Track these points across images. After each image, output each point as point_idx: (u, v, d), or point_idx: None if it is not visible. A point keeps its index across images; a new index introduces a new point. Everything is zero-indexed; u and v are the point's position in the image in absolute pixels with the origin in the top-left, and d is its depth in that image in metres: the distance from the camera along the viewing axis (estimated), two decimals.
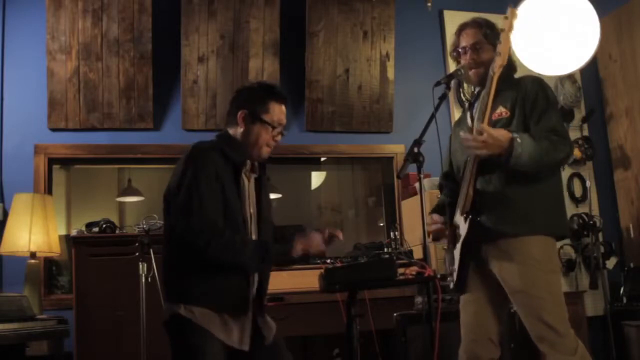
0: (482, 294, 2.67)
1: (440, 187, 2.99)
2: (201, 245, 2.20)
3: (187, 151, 2.36)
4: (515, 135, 2.48)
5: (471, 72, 2.73)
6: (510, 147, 2.45)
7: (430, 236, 2.80)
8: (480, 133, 2.48)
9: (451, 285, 2.72)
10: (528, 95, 2.62)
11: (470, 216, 2.59)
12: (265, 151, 2.45)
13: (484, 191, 2.59)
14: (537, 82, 2.68)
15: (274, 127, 2.44)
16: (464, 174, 2.64)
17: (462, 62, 2.76)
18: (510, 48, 2.63)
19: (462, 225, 2.63)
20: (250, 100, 2.45)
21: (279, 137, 2.48)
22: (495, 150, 2.48)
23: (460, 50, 2.76)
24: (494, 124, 2.62)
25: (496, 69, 2.57)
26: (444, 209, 2.79)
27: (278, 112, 2.45)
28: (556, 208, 2.65)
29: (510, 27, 2.58)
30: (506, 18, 2.59)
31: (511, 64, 2.74)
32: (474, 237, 2.59)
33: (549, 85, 2.70)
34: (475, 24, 2.75)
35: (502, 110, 2.64)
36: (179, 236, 2.26)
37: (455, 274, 2.69)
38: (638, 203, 5.06)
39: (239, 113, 2.42)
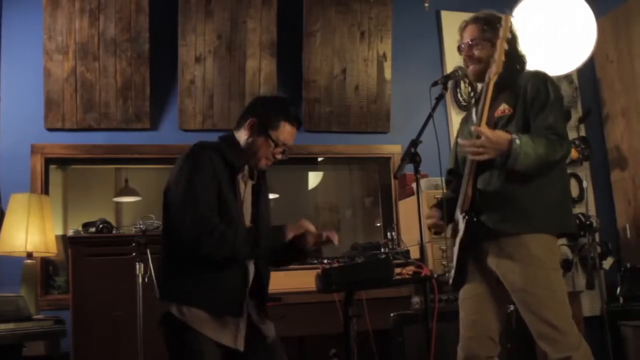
0: (481, 291, 2.66)
1: (448, 183, 2.97)
2: (193, 242, 2.20)
3: (189, 148, 2.37)
4: (514, 136, 2.46)
5: (469, 69, 2.75)
6: (509, 149, 2.44)
7: (432, 230, 2.81)
8: (478, 137, 2.47)
9: (449, 282, 2.72)
10: (529, 92, 2.60)
11: (467, 216, 2.59)
12: (264, 163, 2.44)
13: (485, 190, 2.59)
14: (539, 77, 2.65)
15: (277, 145, 2.42)
16: (464, 173, 2.64)
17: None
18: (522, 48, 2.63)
19: (461, 224, 2.64)
20: (265, 111, 2.43)
21: (279, 156, 2.45)
22: (494, 154, 2.48)
23: (462, 46, 2.78)
24: (496, 121, 2.61)
25: (492, 75, 2.58)
26: (445, 203, 2.76)
27: (287, 132, 2.43)
28: (559, 205, 2.61)
29: (504, 35, 2.58)
30: (499, 25, 2.59)
31: (517, 60, 2.72)
32: (472, 236, 2.59)
33: (553, 80, 2.67)
34: (474, 20, 2.76)
35: (504, 108, 2.63)
36: (175, 233, 2.26)
37: (452, 271, 2.70)
38: (635, 203, 5.07)
39: (250, 119, 2.41)
